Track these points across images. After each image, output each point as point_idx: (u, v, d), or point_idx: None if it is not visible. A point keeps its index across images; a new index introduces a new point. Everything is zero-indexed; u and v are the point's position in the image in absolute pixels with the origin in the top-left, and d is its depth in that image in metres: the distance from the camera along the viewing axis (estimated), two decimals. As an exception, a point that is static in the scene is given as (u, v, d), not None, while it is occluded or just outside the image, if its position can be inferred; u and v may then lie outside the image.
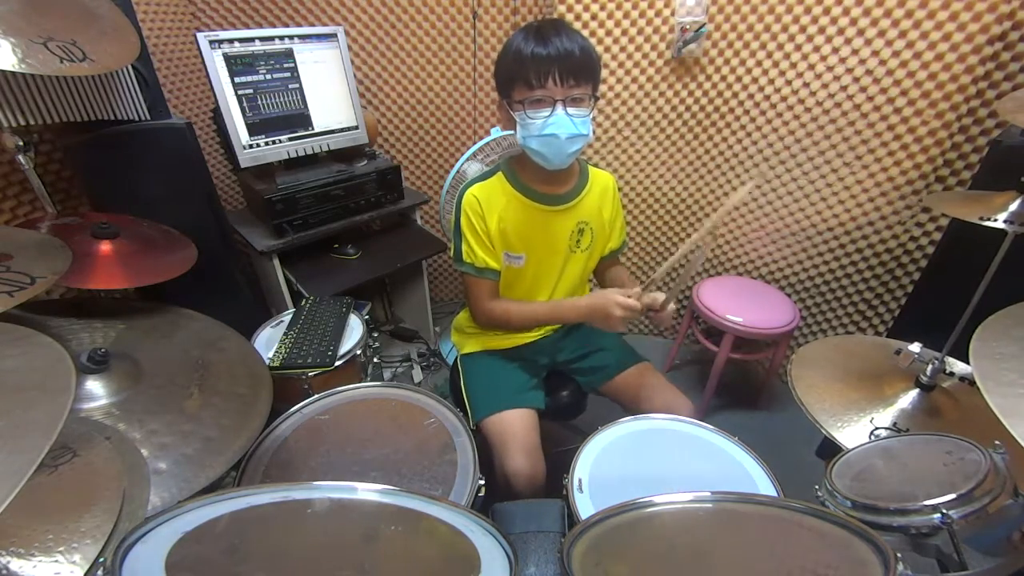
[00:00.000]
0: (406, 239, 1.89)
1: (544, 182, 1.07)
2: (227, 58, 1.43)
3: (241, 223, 1.68)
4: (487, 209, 1.06)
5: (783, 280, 1.89)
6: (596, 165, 1.15)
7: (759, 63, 1.59)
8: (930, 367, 1.00)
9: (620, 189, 1.93)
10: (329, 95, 1.65)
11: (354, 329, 1.36)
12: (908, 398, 1.01)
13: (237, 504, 0.50)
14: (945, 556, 0.64)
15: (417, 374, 2.06)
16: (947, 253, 1.40)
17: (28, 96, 1.02)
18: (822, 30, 1.46)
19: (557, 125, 0.92)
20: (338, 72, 1.65)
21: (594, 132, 1.86)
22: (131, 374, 0.90)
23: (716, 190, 1.87)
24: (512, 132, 1.00)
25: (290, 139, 1.60)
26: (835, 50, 1.46)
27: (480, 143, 1.59)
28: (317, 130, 1.65)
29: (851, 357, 1.14)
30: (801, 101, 1.57)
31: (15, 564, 0.52)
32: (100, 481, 0.63)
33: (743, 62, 1.61)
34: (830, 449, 0.97)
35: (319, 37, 1.59)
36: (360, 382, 1.11)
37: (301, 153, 1.63)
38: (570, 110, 0.92)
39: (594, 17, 1.66)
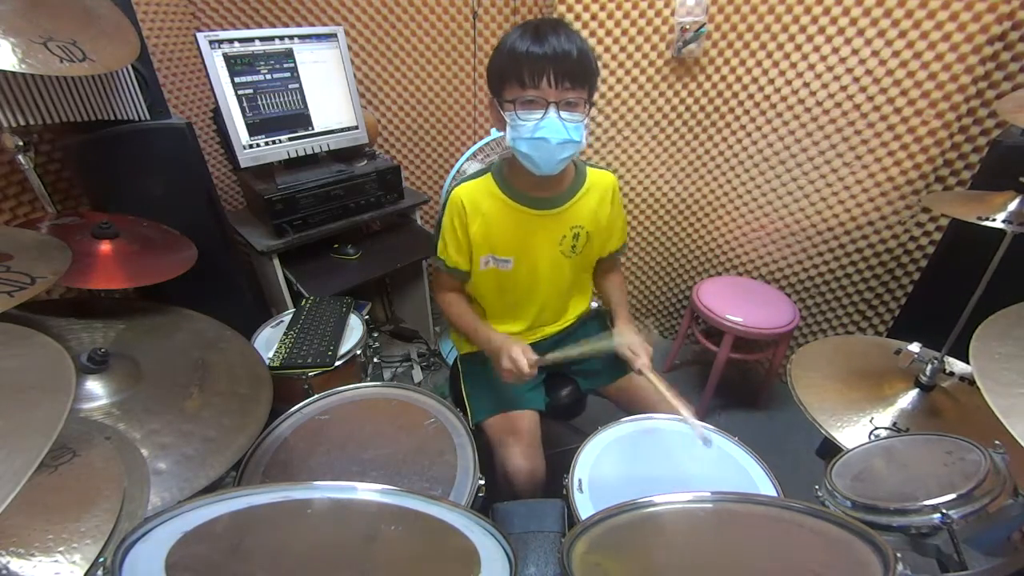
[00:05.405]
0: (406, 239, 1.89)
1: (534, 185, 1.04)
2: (227, 58, 1.43)
3: (241, 223, 1.68)
4: (471, 213, 1.05)
5: (783, 280, 1.89)
6: (595, 165, 1.13)
7: (759, 63, 1.59)
8: (929, 367, 1.00)
9: (619, 189, 1.94)
10: (329, 95, 1.65)
11: (354, 329, 1.36)
12: (908, 398, 1.01)
13: (237, 504, 0.50)
14: (945, 556, 0.64)
15: (417, 374, 2.06)
16: (947, 253, 1.40)
17: (28, 96, 1.02)
18: (822, 30, 1.46)
19: (548, 129, 0.89)
20: (338, 72, 1.65)
21: (593, 133, 1.86)
22: (131, 374, 0.90)
23: (716, 190, 1.87)
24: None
25: (290, 139, 1.60)
26: (835, 50, 1.46)
27: (480, 143, 1.59)
28: (317, 130, 1.65)
29: (851, 357, 1.14)
30: (801, 101, 1.57)
31: (15, 564, 0.52)
32: (100, 481, 0.63)
33: (743, 62, 1.61)
34: (830, 449, 0.97)
35: (319, 37, 1.59)
36: (360, 382, 1.11)
37: (301, 153, 1.63)
38: (563, 114, 0.89)
39: (594, 17, 1.66)
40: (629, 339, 1.02)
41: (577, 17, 1.66)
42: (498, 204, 1.05)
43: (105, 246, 1.04)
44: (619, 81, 1.76)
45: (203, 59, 1.39)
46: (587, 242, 1.12)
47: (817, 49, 1.49)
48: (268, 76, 1.52)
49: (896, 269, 1.70)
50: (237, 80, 1.46)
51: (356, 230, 1.81)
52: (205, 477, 0.79)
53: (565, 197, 1.07)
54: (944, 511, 0.62)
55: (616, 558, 0.63)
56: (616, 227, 1.18)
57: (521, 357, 0.97)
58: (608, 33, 1.68)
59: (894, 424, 0.96)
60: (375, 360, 1.42)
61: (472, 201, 1.05)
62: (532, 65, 0.86)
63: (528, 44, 0.86)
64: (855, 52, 1.44)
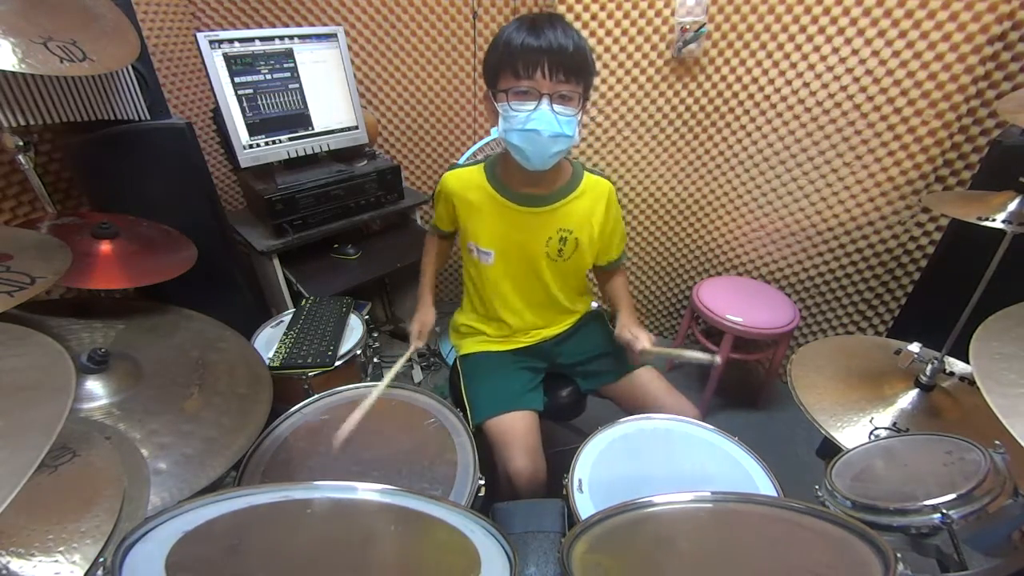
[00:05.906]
0: (406, 239, 1.89)
1: (524, 181, 1.03)
2: (227, 58, 1.43)
3: (241, 223, 1.68)
4: (458, 200, 1.09)
5: (783, 280, 1.89)
6: (596, 166, 1.13)
7: (759, 63, 1.59)
8: (930, 367, 1.00)
9: (619, 189, 1.94)
10: (329, 95, 1.65)
11: (354, 329, 1.36)
12: (908, 398, 1.01)
13: (237, 504, 0.50)
14: (945, 556, 0.64)
15: (417, 374, 2.06)
16: (947, 253, 1.40)
17: (28, 96, 1.02)
18: (822, 30, 1.46)
19: (540, 121, 0.88)
20: (338, 72, 1.65)
21: (593, 133, 1.86)
22: (131, 374, 0.90)
23: (716, 190, 1.87)
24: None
25: (290, 139, 1.60)
26: (835, 50, 1.46)
27: (480, 143, 1.59)
28: (317, 130, 1.65)
29: (851, 357, 1.14)
30: (801, 101, 1.57)
31: (15, 564, 0.52)
32: (100, 481, 0.63)
33: (743, 62, 1.61)
34: (830, 449, 0.97)
35: (319, 37, 1.59)
36: (360, 382, 1.11)
37: (301, 153, 1.63)
38: (556, 107, 0.88)
39: (594, 17, 1.66)
40: (630, 327, 1.07)
41: (577, 17, 1.65)
42: (483, 196, 1.06)
43: (105, 246, 1.04)
44: (619, 81, 1.76)
45: (203, 59, 1.39)
46: (576, 249, 1.09)
47: (817, 49, 1.48)
48: (268, 76, 1.52)
49: (896, 269, 1.70)
50: (237, 80, 1.46)
51: (356, 230, 1.81)
52: (205, 477, 0.79)
53: (555, 197, 1.06)
54: (944, 511, 0.62)
55: (616, 558, 0.63)
56: (615, 237, 1.16)
57: (416, 325, 1.19)
58: (608, 33, 1.68)
59: (894, 424, 0.96)
60: (375, 360, 1.42)
61: (460, 187, 1.07)
62: (527, 56, 0.86)
63: (524, 36, 0.86)
64: (855, 52, 1.44)
